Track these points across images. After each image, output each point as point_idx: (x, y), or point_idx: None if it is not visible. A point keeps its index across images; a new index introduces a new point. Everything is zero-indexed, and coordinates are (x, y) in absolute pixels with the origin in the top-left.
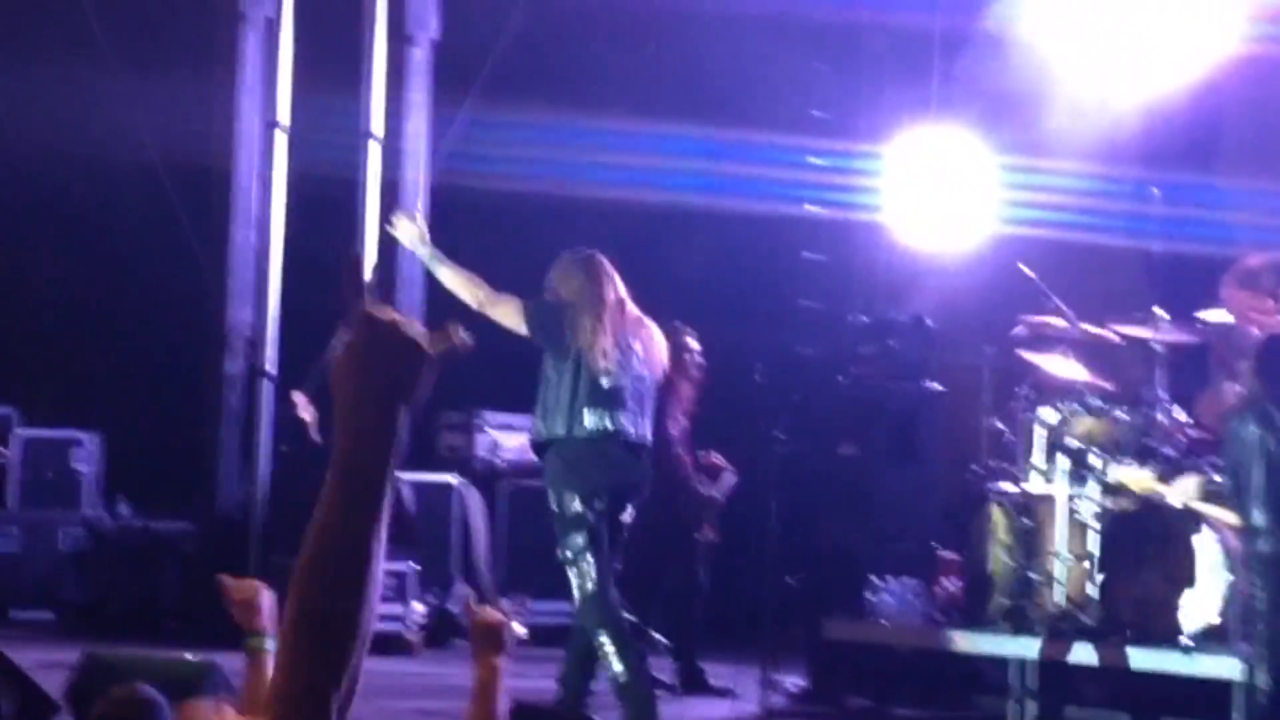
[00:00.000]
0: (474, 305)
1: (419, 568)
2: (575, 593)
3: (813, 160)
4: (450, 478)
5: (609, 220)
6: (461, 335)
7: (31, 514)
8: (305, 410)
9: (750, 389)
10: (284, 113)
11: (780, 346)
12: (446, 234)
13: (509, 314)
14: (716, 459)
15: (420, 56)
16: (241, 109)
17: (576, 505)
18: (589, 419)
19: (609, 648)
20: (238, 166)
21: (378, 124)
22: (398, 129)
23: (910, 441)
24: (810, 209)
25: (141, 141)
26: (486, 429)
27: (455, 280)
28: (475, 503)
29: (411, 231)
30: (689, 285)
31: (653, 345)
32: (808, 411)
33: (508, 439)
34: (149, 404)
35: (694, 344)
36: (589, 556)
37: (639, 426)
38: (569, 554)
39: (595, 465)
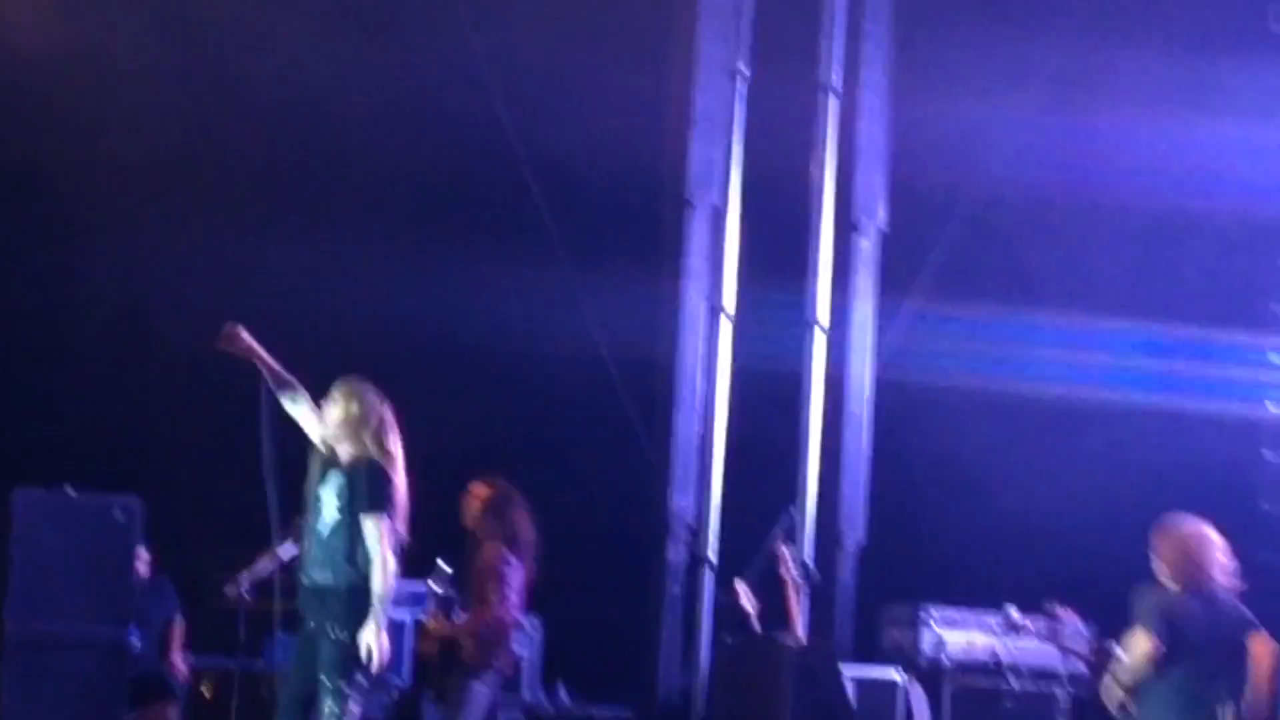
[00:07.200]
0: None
1: None
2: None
3: (1276, 358)
4: (894, 673)
5: (1054, 417)
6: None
7: None
8: (747, 600)
9: None
10: (729, 300)
11: (1239, 552)
12: (891, 425)
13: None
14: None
15: (867, 246)
16: (687, 295)
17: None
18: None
19: None
20: (682, 353)
21: (823, 313)
22: (843, 319)
23: None
24: (1273, 408)
25: (586, 328)
26: (932, 624)
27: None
28: (919, 700)
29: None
30: (1141, 486)
31: None
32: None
33: (953, 636)
34: (590, 589)
35: None
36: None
37: None
38: (344, 686)
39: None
